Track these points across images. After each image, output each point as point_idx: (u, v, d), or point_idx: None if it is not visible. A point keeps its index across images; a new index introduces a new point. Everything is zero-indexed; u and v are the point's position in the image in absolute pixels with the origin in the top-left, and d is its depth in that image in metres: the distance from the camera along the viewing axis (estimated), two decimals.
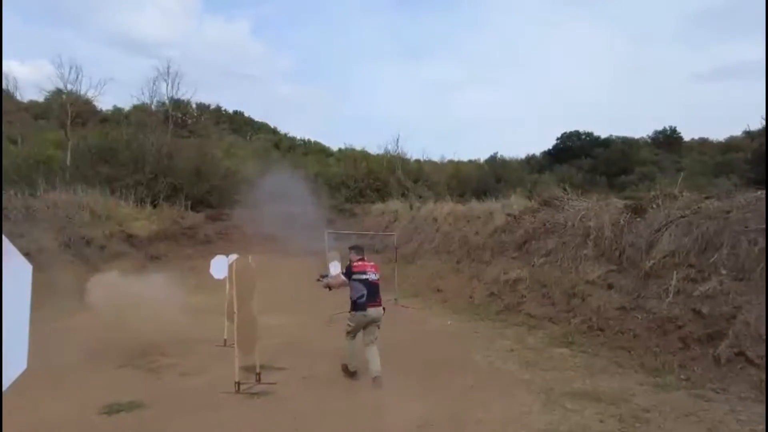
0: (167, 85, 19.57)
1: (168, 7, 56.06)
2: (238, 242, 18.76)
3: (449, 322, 7.24)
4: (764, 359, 4.09)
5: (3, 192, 11.46)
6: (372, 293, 4.50)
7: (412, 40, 66.49)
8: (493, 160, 30.14)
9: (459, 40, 67.44)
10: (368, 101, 64.00)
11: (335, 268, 4.81)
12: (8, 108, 19.56)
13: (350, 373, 4.69)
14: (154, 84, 19.25)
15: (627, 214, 7.00)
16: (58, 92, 19.33)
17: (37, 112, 19.92)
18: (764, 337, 4.21)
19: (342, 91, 57.32)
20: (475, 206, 12.58)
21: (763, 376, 4.00)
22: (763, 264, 4.70)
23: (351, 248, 4.93)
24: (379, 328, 4.59)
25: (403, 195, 20.98)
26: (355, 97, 57.41)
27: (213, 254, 17.62)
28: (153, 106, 19.59)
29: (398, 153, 26.29)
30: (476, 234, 10.65)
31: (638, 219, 6.81)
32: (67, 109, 17.67)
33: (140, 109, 20.03)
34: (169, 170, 19.46)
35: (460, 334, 6.63)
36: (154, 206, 18.58)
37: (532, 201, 9.97)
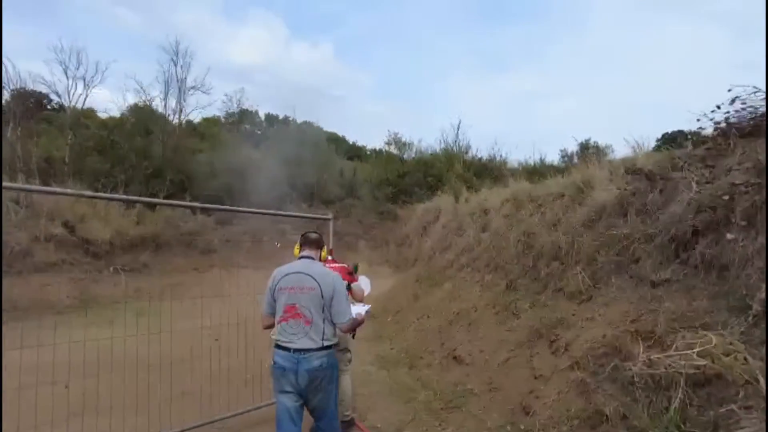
0: (176, 67, 16.25)
1: (258, 35, 57.83)
2: (249, 252, 14.84)
3: None
4: None
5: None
6: None
7: (494, 53, 60.91)
8: (585, 146, 22.87)
9: (545, 50, 60.02)
10: (450, 114, 59.41)
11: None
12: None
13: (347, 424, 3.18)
14: (168, 71, 16.09)
15: None
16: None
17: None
18: None
19: (423, 106, 53.43)
20: (554, 182, 6.64)
21: None
22: None
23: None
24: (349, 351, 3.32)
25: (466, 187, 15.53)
26: (438, 111, 53.10)
27: (211, 267, 13.69)
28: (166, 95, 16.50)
29: (458, 144, 20.82)
30: (553, 227, 4.85)
31: None
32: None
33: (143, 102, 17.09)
34: (177, 165, 16.28)
35: None
36: (153, 207, 15.44)
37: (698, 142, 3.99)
